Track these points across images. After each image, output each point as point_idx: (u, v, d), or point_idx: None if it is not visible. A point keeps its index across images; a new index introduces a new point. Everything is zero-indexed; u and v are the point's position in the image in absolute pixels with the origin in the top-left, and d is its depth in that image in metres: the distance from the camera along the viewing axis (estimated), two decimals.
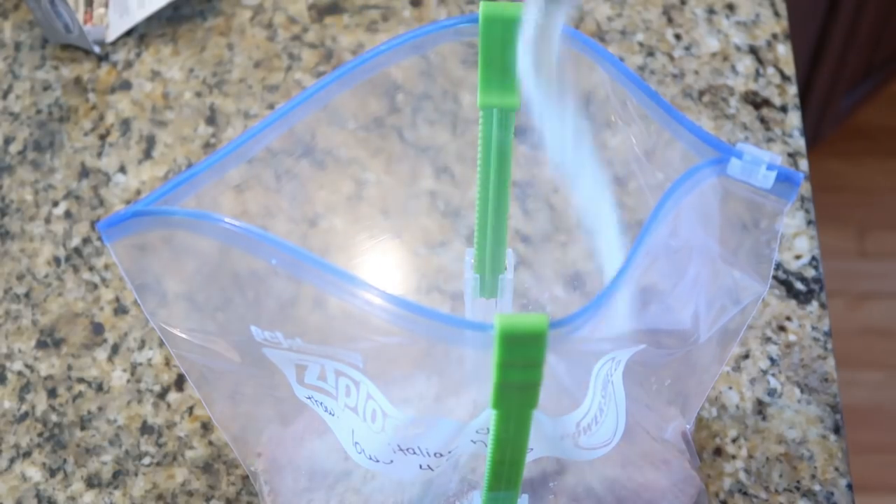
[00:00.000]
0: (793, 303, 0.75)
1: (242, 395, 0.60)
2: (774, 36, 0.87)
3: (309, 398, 0.55)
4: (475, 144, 0.55)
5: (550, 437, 0.54)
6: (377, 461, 0.55)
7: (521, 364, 0.44)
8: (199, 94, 0.85)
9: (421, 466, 0.55)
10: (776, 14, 0.88)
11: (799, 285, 0.76)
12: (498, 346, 0.42)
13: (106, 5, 0.88)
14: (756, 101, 0.83)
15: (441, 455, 0.54)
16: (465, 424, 0.53)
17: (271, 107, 0.84)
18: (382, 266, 0.77)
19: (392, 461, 0.55)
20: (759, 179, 0.49)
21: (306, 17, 0.89)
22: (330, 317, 0.50)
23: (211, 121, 0.84)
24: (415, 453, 0.54)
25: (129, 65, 0.87)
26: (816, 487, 0.69)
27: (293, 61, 0.87)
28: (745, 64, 0.85)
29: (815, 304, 0.75)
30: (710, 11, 0.88)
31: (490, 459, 0.50)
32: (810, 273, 0.76)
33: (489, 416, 0.48)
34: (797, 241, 0.77)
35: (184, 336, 0.54)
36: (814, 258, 0.77)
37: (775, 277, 0.76)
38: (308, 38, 0.88)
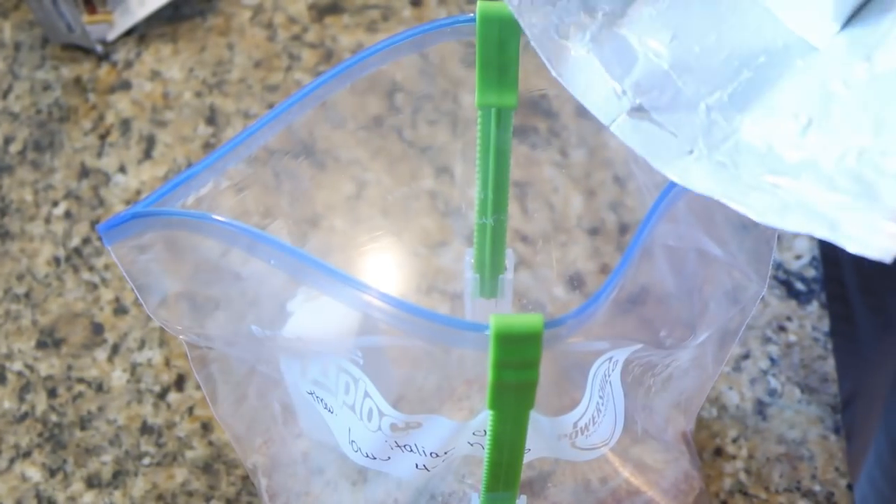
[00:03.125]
0: (793, 303, 0.75)
1: (245, 393, 0.60)
2: None
3: (310, 394, 0.55)
4: (475, 144, 0.55)
5: (548, 438, 0.54)
6: (374, 458, 0.55)
7: (516, 364, 0.44)
8: (198, 94, 0.85)
9: (417, 466, 0.55)
10: None
11: (799, 285, 0.76)
12: (493, 346, 0.42)
13: (105, 3, 0.88)
14: None
15: (437, 455, 0.54)
16: (463, 425, 0.53)
17: (271, 107, 0.84)
18: (382, 266, 0.77)
19: (389, 458, 0.55)
20: None
21: (306, 16, 0.89)
22: (330, 316, 0.50)
23: (211, 121, 0.84)
24: (412, 451, 0.54)
25: (128, 65, 0.87)
26: (817, 488, 0.69)
27: (293, 61, 0.87)
28: None
29: (815, 305, 0.75)
30: None
31: (488, 460, 0.50)
32: (810, 273, 0.76)
33: (486, 418, 0.48)
34: (797, 242, 0.77)
35: (185, 336, 0.54)
36: (814, 258, 0.77)
37: (775, 277, 0.76)
38: (308, 38, 0.88)
